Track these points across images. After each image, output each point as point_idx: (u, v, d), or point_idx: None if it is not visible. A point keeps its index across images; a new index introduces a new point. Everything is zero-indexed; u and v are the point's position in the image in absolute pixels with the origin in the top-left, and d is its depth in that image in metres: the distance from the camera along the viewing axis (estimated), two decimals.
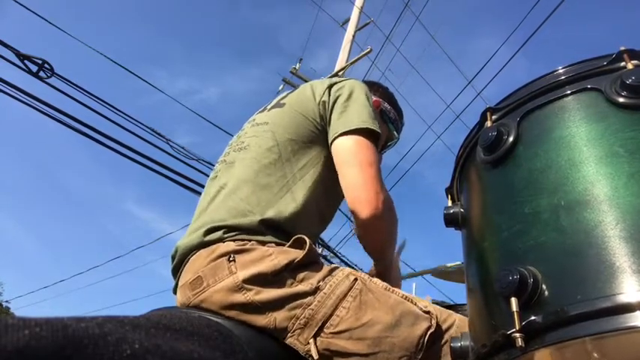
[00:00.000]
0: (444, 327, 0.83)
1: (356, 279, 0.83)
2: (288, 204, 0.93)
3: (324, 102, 1.04)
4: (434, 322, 0.81)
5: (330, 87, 1.06)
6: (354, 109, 1.01)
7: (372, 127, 0.98)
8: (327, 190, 1.02)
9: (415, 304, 0.83)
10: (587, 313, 0.41)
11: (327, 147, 1.03)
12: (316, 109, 1.03)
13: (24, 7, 3.89)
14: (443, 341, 0.82)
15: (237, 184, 0.95)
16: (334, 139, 0.99)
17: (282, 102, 1.10)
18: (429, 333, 0.79)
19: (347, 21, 8.25)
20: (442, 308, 0.88)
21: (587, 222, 0.46)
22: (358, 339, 0.77)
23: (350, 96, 1.03)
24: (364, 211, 0.93)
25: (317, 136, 1.03)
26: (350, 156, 0.96)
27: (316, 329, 0.77)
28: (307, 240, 0.84)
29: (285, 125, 1.02)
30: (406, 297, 0.85)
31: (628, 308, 0.40)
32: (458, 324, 0.85)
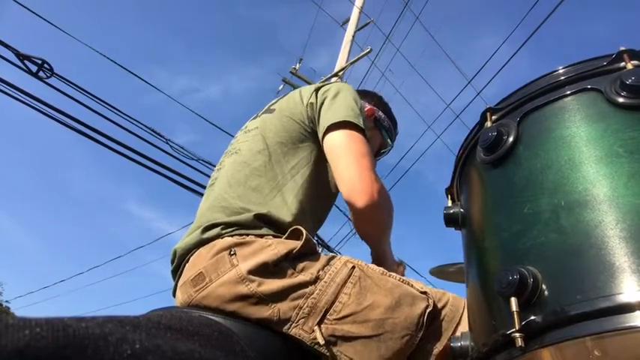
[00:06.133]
0: (439, 305, 0.86)
1: (354, 266, 0.86)
2: (278, 205, 0.94)
3: (311, 104, 1.06)
4: (431, 301, 0.84)
5: (317, 90, 1.09)
6: (340, 105, 1.03)
7: (356, 122, 1.00)
8: (319, 190, 1.03)
9: (412, 286, 0.86)
10: (587, 312, 0.41)
11: (317, 148, 1.05)
12: (304, 112, 1.06)
13: (24, 7, 3.90)
14: (440, 318, 0.85)
15: (230, 186, 0.98)
16: (324, 135, 1.01)
17: (272, 108, 1.13)
18: (427, 312, 0.82)
19: (347, 21, 8.24)
20: (435, 288, 0.90)
21: (587, 222, 0.46)
22: (362, 322, 0.79)
23: (336, 95, 1.06)
24: (360, 201, 0.94)
25: (306, 137, 1.05)
26: (343, 148, 0.98)
27: (320, 317, 0.79)
28: (303, 231, 0.86)
29: (274, 129, 1.05)
30: (402, 280, 0.87)
31: (628, 308, 0.40)
32: (452, 302, 0.88)
